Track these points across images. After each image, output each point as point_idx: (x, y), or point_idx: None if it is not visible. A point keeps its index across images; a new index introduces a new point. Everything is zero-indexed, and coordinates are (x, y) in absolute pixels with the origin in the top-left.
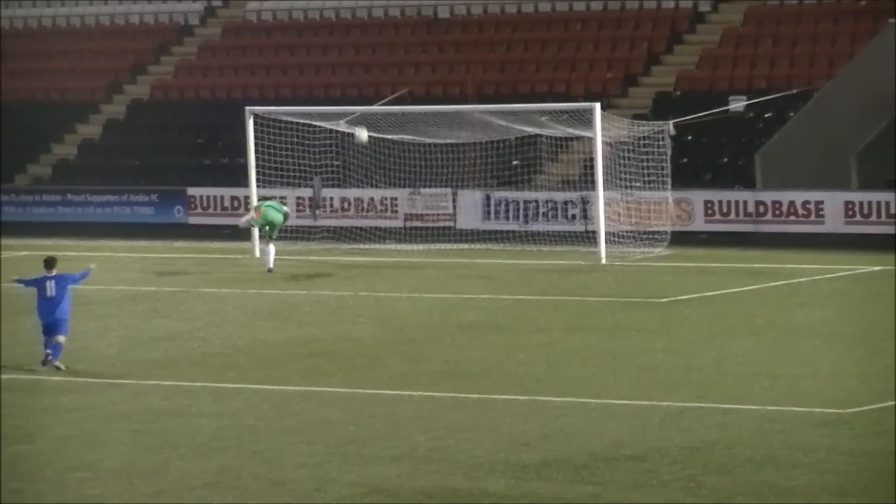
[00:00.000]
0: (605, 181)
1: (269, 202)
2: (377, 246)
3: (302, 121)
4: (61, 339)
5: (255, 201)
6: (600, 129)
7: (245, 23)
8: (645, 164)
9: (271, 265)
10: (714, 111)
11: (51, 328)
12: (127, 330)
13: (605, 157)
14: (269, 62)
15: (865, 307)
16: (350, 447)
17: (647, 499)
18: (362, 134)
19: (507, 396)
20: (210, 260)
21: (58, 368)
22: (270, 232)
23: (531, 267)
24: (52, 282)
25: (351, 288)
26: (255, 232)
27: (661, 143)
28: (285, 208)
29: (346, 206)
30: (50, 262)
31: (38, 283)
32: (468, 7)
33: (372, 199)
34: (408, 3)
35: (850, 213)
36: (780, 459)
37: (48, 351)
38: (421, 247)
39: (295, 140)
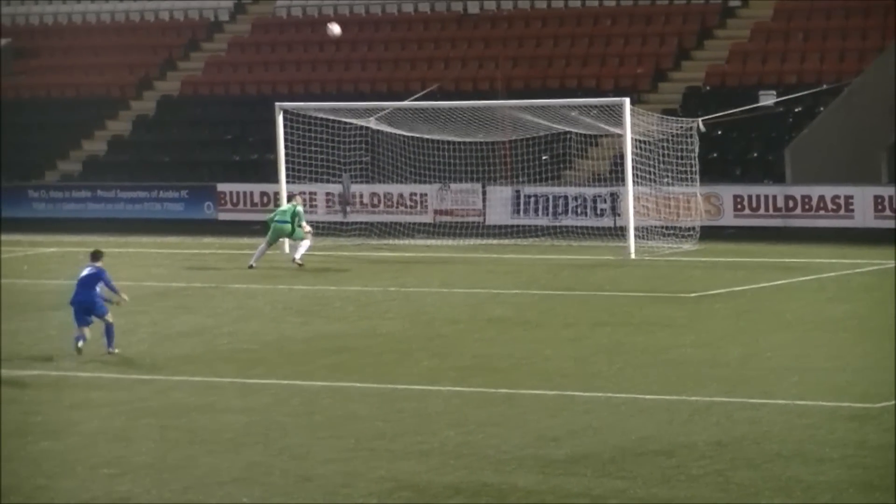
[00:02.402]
0: (635, 176)
1: (276, 215)
2: (406, 241)
3: (331, 117)
4: (108, 318)
5: (284, 200)
6: (630, 124)
7: (274, 19)
8: (674, 159)
9: (300, 260)
10: (744, 108)
11: (80, 314)
12: (156, 325)
13: (634, 153)
14: (299, 58)
15: (895, 301)
16: (378, 442)
17: (675, 494)
18: (334, 28)
19: (535, 391)
20: (239, 256)
21: (111, 353)
22: (290, 235)
23: (560, 262)
24: (87, 269)
25: (380, 283)
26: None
27: (689, 138)
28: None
29: (375, 201)
30: (95, 255)
31: (80, 272)
32: (498, 3)
33: (401, 194)
34: None
35: (880, 207)
36: (808, 454)
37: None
38: (450, 242)
39: (324, 136)
